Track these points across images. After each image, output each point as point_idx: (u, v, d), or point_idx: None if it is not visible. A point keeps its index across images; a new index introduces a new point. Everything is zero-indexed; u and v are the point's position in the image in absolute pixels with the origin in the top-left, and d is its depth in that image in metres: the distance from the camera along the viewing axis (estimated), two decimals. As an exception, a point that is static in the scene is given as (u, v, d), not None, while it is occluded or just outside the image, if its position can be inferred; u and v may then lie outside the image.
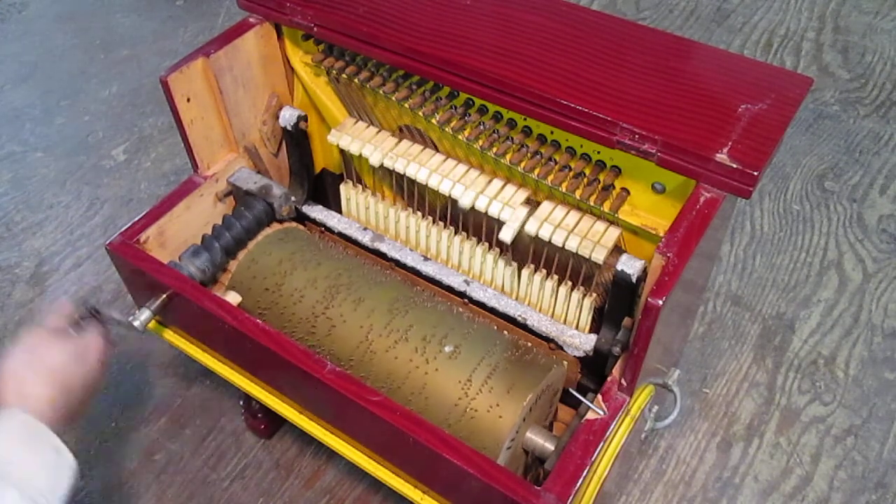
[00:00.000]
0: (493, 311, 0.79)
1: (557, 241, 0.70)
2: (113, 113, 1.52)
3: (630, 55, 0.68)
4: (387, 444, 0.67)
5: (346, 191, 0.87)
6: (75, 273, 1.22)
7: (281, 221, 0.87)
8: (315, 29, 0.75)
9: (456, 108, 0.74)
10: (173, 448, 1.00)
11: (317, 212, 0.89)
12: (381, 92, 0.75)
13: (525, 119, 0.71)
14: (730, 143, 0.59)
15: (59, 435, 0.63)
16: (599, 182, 0.69)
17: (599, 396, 0.64)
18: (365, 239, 0.86)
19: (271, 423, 0.99)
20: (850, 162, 1.36)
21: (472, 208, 0.75)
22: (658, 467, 0.98)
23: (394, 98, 0.75)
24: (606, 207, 0.68)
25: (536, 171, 0.70)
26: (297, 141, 0.86)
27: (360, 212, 0.88)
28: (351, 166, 0.87)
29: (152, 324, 0.79)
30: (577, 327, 0.77)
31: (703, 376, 1.06)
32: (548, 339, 0.76)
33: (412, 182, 0.78)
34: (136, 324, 0.75)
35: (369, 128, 0.82)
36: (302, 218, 0.90)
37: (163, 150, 1.43)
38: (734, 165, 0.58)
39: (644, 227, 0.68)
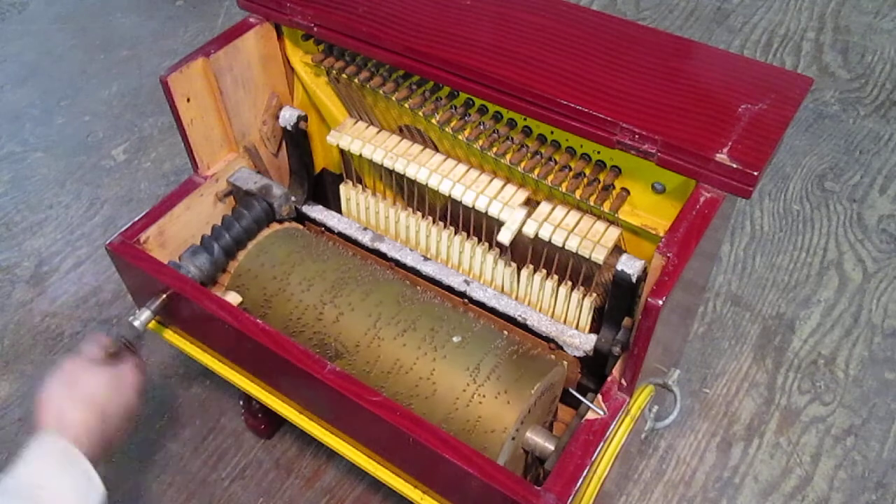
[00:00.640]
0: (493, 311, 0.79)
1: (557, 241, 0.70)
2: (113, 113, 1.52)
3: (630, 55, 0.68)
4: (387, 444, 0.67)
5: (346, 191, 0.87)
6: (75, 273, 1.22)
7: (280, 221, 0.87)
8: (315, 29, 0.75)
9: (456, 108, 0.74)
10: (173, 448, 1.00)
11: (317, 212, 0.89)
12: (381, 92, 0.75)
13: (525, 119, 0.71)
14: (730, 143, 0.59)
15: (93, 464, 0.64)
16: (599, 182, 0.69)
17: (599, 396, 0.64)
18: (365, 239, 0.86)
19: (271, 423, 0.99)
20: (850, 162, 1.36)
21: (473, 208, 0.75)
22: (658, 467, 0.98)
23: (394, 98, 0.75)
24: (606, 207, 0.68)
25: (536, 171, 0.70)
26: (297, 141, 0.86)
27: (360, 212, 0.88)
28: (351, 166, 0.87)
29: (152, 324, 0.79)
30: (577, 327, 0.77)
31: (703, 376, 1.06)
32: (548, 339, 0.76)
33: (412, 182, 0.78)
34: (136, 324, 0.75)
35: (369, 128, 0.82)
36: (302, 218, 0.90)
37: (163, 150, 1.43)
38: (734, 165, 0.58)
39: (644, 227, 0.68)
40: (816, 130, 1.43)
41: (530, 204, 0.73)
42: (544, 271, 0.76)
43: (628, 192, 0.68)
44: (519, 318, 0.77)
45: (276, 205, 0.84)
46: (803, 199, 1.30)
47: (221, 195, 0.85)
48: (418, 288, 0.81)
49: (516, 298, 0.79)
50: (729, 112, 0.62)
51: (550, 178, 0.69)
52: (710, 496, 0.95)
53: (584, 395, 0.65)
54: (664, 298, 0.55)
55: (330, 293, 0.77)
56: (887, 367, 1.07)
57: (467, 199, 0.74)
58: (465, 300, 0.80)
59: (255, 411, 0.98)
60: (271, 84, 0.85)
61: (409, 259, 0.83)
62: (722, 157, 0.58)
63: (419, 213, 0.83)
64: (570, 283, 0.75)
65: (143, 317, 0.75)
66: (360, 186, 0.87)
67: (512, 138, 0.72)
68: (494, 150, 0.72)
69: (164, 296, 0.74)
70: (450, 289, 0.81)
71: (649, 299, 0.56)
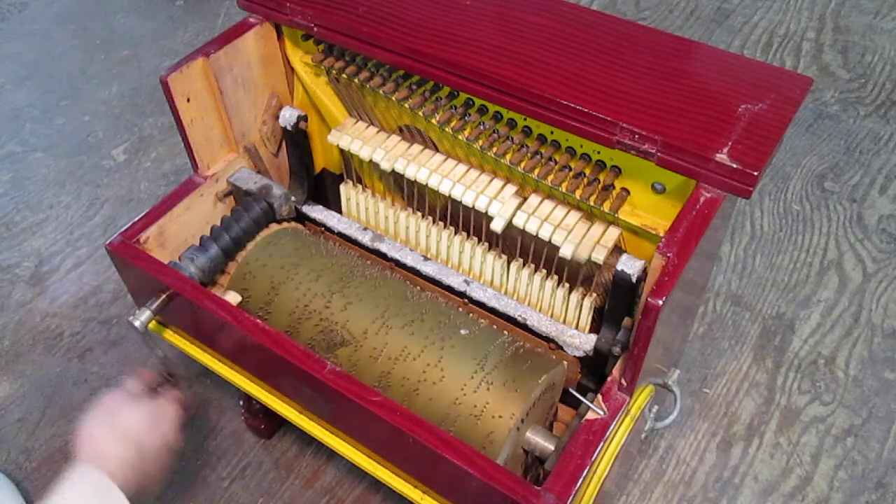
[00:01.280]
0: (493, 310, 0.79)
1: (557, 240, 0.70)
2: (113, 113, 1.52)
3: (630, 55, 0.68)
4: (387, 444, 0.67)
5: (346, 191, 0.87)
6: (75, 273, 1.22)
7: (280, 222, 0.87)
8: (315, 29, 0.75)
9: (456, 108, 0.74)
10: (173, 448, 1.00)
11: (317, 212, 0.89)
12: (381, 92, 0.75)
13: (525, 119, 0.71)
14: (730, 143, 0.59)
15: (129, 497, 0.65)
16: (599, 182, 0.69)
17: (599, 396, 0.64)
18: (365, 239, 0.86)
19: (271, 423, 0.99)
20: (850, 162, 1.36)
21: (473, 208, 0.75)
22: (658, 467, 0.98)
23: (394, 98, 0.75)
24: (606, 207, 0.68)
25: (536, 171, 0.70)
26: (297, 141, 0.86)
27: (360, 212, 0.88)
28: (351, 166, 0.87)
29: (152, 324, 0.79)
30: (577, 327, 0.77)
31: (703, 376, 1.06)
32: (548, 339, 0.76)
33: (412, 182, 0.78)
34: (136, 324, 0.75)
35: (369, 128, 0.82)
36: (302, 218, 0.90)
37: (163, 150, 1.43)
38: (734, 165, 0.58)
39: (644, 227, 0.68)
40: (816, 130, 1.43)
41: (523, 195, 0.73)
42: (544, 271, 0.76)
43: (628, 192, 0.68)
44: (519, 318, 0.77)
45: (276, 205, 0.84)
46: (803, 199, 1.30)
47: (221, 195, 0.85)
48: (420, 290, 0.81)
49: (516, 298, 0.79)
50: (729, 112, 0.62)
51: (550, 177, 0.69)
52: (710, 496, 0.95)
53: (584, 395, 0.65)
54: (664, 298, 0.55)
55: (339, 284, 0.78)
56: (887, 367, 1.07)
57: (467, 199, 0.74)
58: (465, 300, 0.80)
59: (255, 411, 0.98)
60: (271, 84, 0.85)
61: (409, 259, 0.83)
62: (722, 157, 0.58)
63: (419, 213, 0.83)
64: (570, 283, 0.75)
65: (143, 317, 0.75)
66: (360, 186, 0.87)
67: (512, 138, 0.72)
68: (494, 150, 0.72)
69: (164, 296, 0.74)
70: (450, 289, 0.81)
71: (649, 299, 0.56)
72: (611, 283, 0.69)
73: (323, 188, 0.94)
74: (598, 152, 0.68)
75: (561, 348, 0.75)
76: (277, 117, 0.85)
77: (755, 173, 0.57)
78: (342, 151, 0.84)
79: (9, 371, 1.09)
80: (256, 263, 0.81)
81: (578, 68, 0.66)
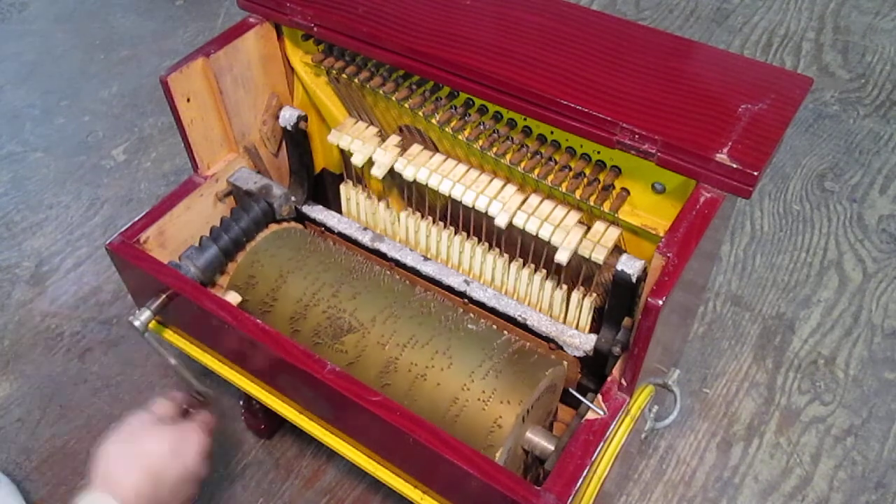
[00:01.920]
0: (493, 311, 0.79)
1: (557, 241, 0.70)
2: (113, 113, 1.52)
3: (630, 55, 0.68)
4: (387, 444, 0.67)
5: (346, 191, 0.87)
6: (75, 273, 1.22)
7: (280, 222, 0.87)
8: (315, 29, 0.75)
9: (456, 108, 0.74)
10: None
11: (317, 212, 0.89)
12: (381, 92, 0.75)
13: (525, 119, 0.71)
14: (730, 143, 0.59)
15: None
16: (599, 182, 0.69)
17: (599, 396, 0.64)
18: (365, 239, 0.86)
19: (271, 423, 0.99)
20: (850, 162, 1.36)
21: (473, 208, 0.75)
22: (658, 467, 0.98)
23: (394, 98, 0.75)
24: (606, 207, 0.68)
25: (536, 171, 0.70)
26: (297, 141, 0.86)
27: (360, 212, 0.88)
28: (351, 166, 0.87)
29: (152, 324, 0.79)
30: (577, 327, 0.77)
31: (703, 376, 1.06)
32: (548, 339, 0.76)
33: (412, 182, 0.78)
34: (136, 324, 0.75)
35: (369, 128, 0.82)
36: (302, 218, 0.90)
37: (163, 150, 1.44)
38: (734, 165, 0.58)
39: (644, 227, 0.68)
40: (816, 130, 1.43)
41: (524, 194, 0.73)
42: (544, 271, 0.76)
43: (628, 192, 0.68)
44: (519, 318, 0.77)
45: (276, 205, 0.84)
46: (803, 199, 1.30)
47: (221, 195, 0.85)
48: (424, 290, 0.81)
49: (516, 298, 0.79)
50: (729, 112, 0.62)
51: (550, 178, 0.69)
52: (710, 496, 0.95)
53: (584, 395, 0.65)
54: (664, 298, 0.55)
55: (347, 276, 0.79)
56: (887, 367, 1.07)
57: (467, 199, 0.74)
58: (465, 300, 0.80)
59: (255, 411, 0.98)
60: (271, 84, 0.85)
61: (409, 259, 0.83)
62: (722, 157, 0.58)
63: (419, 213, 0.83)
64: (570, 283, 0.75)
65: (143, 317, 0.75)
66: (360, 186, 0.87)
67: (512, 138, 0.72)
68: (494, 150, 0.72)
69: (164, 296, 0.74)
70: (450, 289, 0.81)
71: (649, 299, 0.56)
72: (611, 283, 0.69)
73: (323, 188, 0.94)
74: (598, 152, 0.68)
75: (561, 348, 0.75)
76: (277, 117, 0.85)
77: (755, 173, 0.57)
78: (342, 151, 0.84)
79: (9, 371, 1.09)
80: (266, 253, 0.82)
81: (578, 68, 0.66)
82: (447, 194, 0.75)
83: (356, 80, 0.77)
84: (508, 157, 0.71)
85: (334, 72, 0.78)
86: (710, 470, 0.97)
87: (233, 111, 0.81)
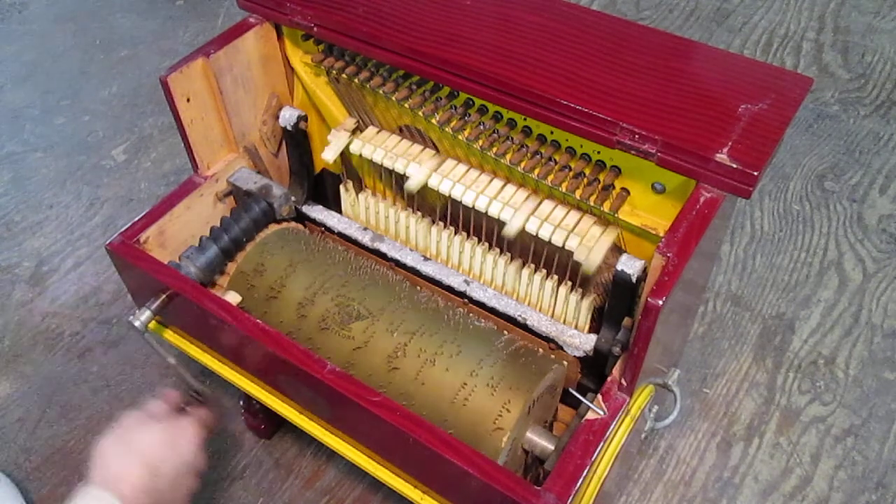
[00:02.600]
0: (493, 311, 0.79)
1: (557, 241, 0.70)
2: (113, 113, 1.52)
3: (630, 55, 0.68)
4: (387, 444, 0.67)
5: (346, 191, 0.87)
6: (75, 273, 1.22)
7: (280, 222, 0.87)
8: (315, 29, 0.75)
9: (456, 108, 0.74)
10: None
11: (317, 212, 0.89)
12: (381, 92, 0.75)
13: (525, 119, 0.71)
14: (730, 143, 0.59)
15: None
16: (599, 182, 0.69)
17: (599, 396, 0.64)
18: (365, 239, 0.86)
19: (271, 423, 0.99)
20: (850, 162, 1.36)
21: (473, 208, 0.75)
22: (658, 467, 0.98)
23: (394, 98, 0.75)
24: (606, 207, 0.68)
25: (536, 171, 0.70)
26: (297, 141, 0.86)
27: (360, 212, 0.88)
28: (351, 166, 0.87)
29: (152, 324, 0.79)
30: (576, 327, 0.77)
31: (703, 376, 1.06)
32: (548, 339, 0.76)
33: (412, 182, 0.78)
34: (136, 324, 0.75)
35: (369, 128, 0.82)
36: (302, 218, 0.90)
37: (163, 150, 1.44)
38: (734, 165, 0.58)
39: (644, 227, 0.68)
40: (816, 130, 1.43)
41: (533, 201, 0.73)
42: (544, 271, 0.76)
43: (628, 192, 0.68)
44: (519, 318, 0.77)
45: (276, 205, 0.84)
46: (803, 199, 1.30)
47: (221, 195, 0.85)
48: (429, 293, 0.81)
49: (516, 298, 0.79)
50: (729, 112, 0.62)
51: (550, 178, 0.69)
52: (710, 496, 0.95)
53: (584, 395, 0.65)
54: (664, 298, 0.55)
55: (356, 270, 0.80)
56: (887, 367, 1.07)
57: (467, 199, 0.74)
58: (465, 300, 0.80)
59: (255, 411, 0.98)
60: (271, 84, 0.85)
61: (409, 259, 0.83)
62: (722, 157, 0.58)
63: (419, 213, 0.83)
64: (570, 283, 0.75)
65: (143, 317, 0.75)
66: (360, 186, 0.87)
67: (512, 138, 0.72)
68: (494, 150, 0.72)
69: (164, 296, 0.74)
70: (450, 289, 0.81)
71: (649, 299, 0.56)
72: (611, 283, 0.69)
73: (323, 188, 0.94)
74: (598, 152, 0.68)
75: (561, 348, 0.75)
76: (277, 117, 0.85)
77: (755, 173, 0.57)
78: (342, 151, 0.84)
79: (9, 371, 1.09)
80: (276, 245, 0.82)
81: (578, 68, 0.66)
82: (447, 194, 0.75)
83: (356, 80, 0.77)
84: (508, 157, 0.71)
85: (334, 72, 0.78)
86: (710, 470, 0.97)
87: (233, 111, 0.81)
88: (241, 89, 0.81)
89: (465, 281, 0.81)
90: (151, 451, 0.67)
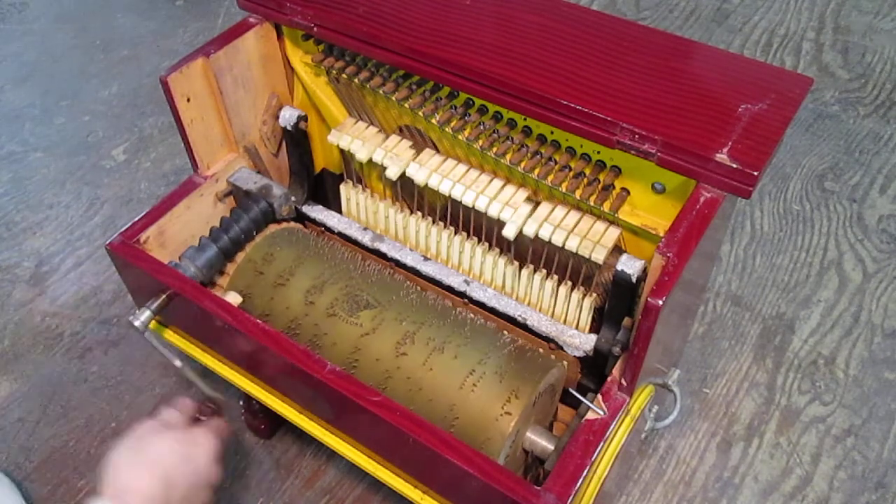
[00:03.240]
0: (493, 311, 0.79)
1: (557, 241, 0.70)
2: (113, 113, 1.52)
3: (630, 55, 0.68)
4: (387, 444, 0.67)
5: (346, 191, 0.87)
6: (75, 273, 1.22)
7: (280, 222, 0.87)
8: (315, 29, 0.75)
9: (456, 108, 0.74)
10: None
11: (317, 212, 0.89)
12: (381, 92, 0.75)
13: (525, 119, 0.71)
14: (730, 143, 0.59)
15: None
16: (599, 182, 0.69)
17: (599, 396, 0.64)
18: (365, 239, 0.86)
19: (271, 423, 0.99)
20: (850, 162, 1.36)
21: (473, 208, 0.75)
22: (658, 467, 0.98)
23: (394, 98, 0.75)
24: (606, 207, 0.68)
25: (536, 171, 0.70)
26: (297, 141, 0.86)
27: (360, 212, 0.88)
28: (351, 166, 0.87)
29: (152, 324, 0.79)
30: (577, 327, 0.77)
31: (703, 376, 1.06)
32: (548, 339, 0.76)
33: (412, 182, 0.78)
34: (136, 324, 0.75)
35: (369, 128, 0.82)
36: (302, 218, 0.90)
37: (163, 150, 1.44)
38: (734, 165, 0.58)
39: (644, 227, 0.68)
40: (816, 130, 1.43)
41: (530, 203, 0.73)
42: (544, 271, 0.76)
43: (628, 192, 0.68)
44: (519, 318, 0.77)
45: (276, 205, 0.84)
46: (803, 199, 1.30)
47: (221, 195, 0.85)
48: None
49: (516, 298, 0.79)
50: (729, 112, 0.62)
51: (550, 178, 0.69)
52: (710, 496, 0.95)
53: (584, 395, 0.65)
54: (664, 298, 0.55)
55: (364, 266, 0.81)
56: (887, 367, 1.07)
57: (467, 199, 0.74)
58: (465, 300, 0.80)
59: (255, 411, 0.98)
60: (271, 84, 0.85)
61: (409, 259, 0.83)
62: (722, 157, 0.58)
63: (419, 213, 0.83)
64: (570, 283, 0.75)
65: (143, 317, 0.75)
66: (360, 186, 0.87)
67: (512, 138, 0.72)
68: (494, 150, 0.72)
69: (164, 296, 0.74)
70: (450, 289, 0.81)
71: (649, 299, 0.56)
72: (611, 283, 0.69)
73: (323, 188, 0.94)
74: (598, 152, 0.68)
75: (561, 348, 0.75)
76: (277, 117, 0.85)
77: (755, 173, 0.57)
78: (342, 151, 0.84)
79: (9, 371, 1.09)
80: (285, 239, 0.83)
81: (578, 68, 0.66)
82: (447, 194, 0.75)
83: (356, 80, 0.77)
84: (508, 157, 0.71)
85: (334, 72, 0.78)
86: (710, 470, 0.97)
87: (233, 111, 0.81)
88: (241, 89, 0.81)
89: (465, 281, 0.81)
90: (165, 462, 0.65)
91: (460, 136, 0.73)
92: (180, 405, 0.74)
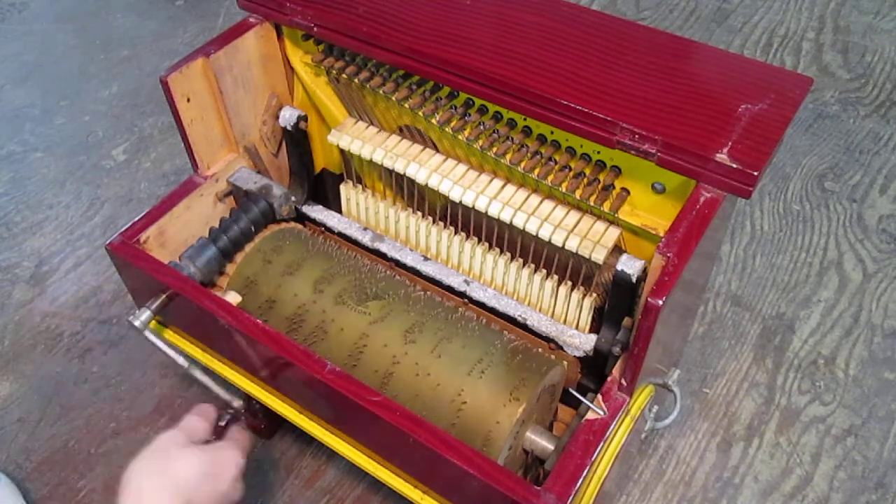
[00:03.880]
0: (493, 311, 0.79)
1: (557, 241, 0.70)
2: (113, 113, 1.52)
3: (630, 55, 0.68)
4: (387, 444, 0.67)
5: (346, 191, 0.87)
6: (75, 273, 1.22)
7: (280, 222, 0.87)
8: (315, 29, 0.75)
9: (456, 108, 0.74)
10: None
11: (317, 212, 0.89)
12: (381, 92, 0.75)
13: (525, 119, 0.71)
14: (730, 143, 0.59)
15: None
16: (599, 182, 0.69)
17: (599, 396, 0.64)
18: (365, 239, 0.86)
19: (271, 423, 0.99)
20: (850, 162, 1.36)
21: (473, 208, 0.75)
22: (658, 467, 0.98)
23: (394, 98, 0.75)
24: (606, 207, 0.68)
25: (536, 171, 0.70)
26: (297, 141, 0.86)
27: (360, 212, 0.88)
28: (351, 166, 0.87)
29: (152, 324, 0.79)
30: (577, 327, 0.77)
31: (703, 376, 1.06)
32: (548, 339, 0.76)
33: (412, 182, 0.78)
34: (136, 324, 0.75)
35: (369, 128, 0.82)
36: (302, 218, 0.90)
37: (163, 150, 1.43)
38: (734, 165, 0.58)
39: (644, 227, 0.68)
40: (816, 130, 1.43)
41: (533, 200, 0.73)
42: (544, 271, 0.76)
43: (628, 192, 0.68)
44: (519, 318, 0.77)
45: (276, 205, 0.84)
46: (803, 199, 1.30)
47: (221, 195, 0.85)
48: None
49: (516, 298, 0.79)
50: (729, 112, 0.62)
51: (550, 178, 0.69)
52: (710, 496, 0.95)
53: (584, 395, 0.65)
54: (664, 298, 0.55)
55: (371, 265, 0.82)
56: (887, 367, 1.07)
57: (467, 199, 0.74)
58: (465, 300, 0.80)
59: (255, 411, 0.98)
60: (271, 84, 0.85)
61: (409, 259, 0.83)
62: (722, 157, 0.58)
63: (419, 213, 0.83)
64: (570, 283, 0.75)
65: (143, 317, 0.75)
66: (360, 186, 0.87)
67: (512, 138, 0.72)
68: (494, 150, 0.72)
69: (164, 296, 0.74)
70: (450, 289, 0.81)
71: (649, 299, 0.56)
72: (611, 283, 0.69)
73: (323, 188, 0.94)
74: (598, 152, 0.68)
75: (561, 348, 0.75)
76: (277, 117, 0.85)
77: (755, 173, 0.57)
78: (342, 151, 0.84)
79: (9, 371, 1.09)
80: (294, 235, 0.84)
81: (578, 68, 0.66)
82: (447, 194, 0.75)
83: (356, 80, 0.77)
84: (508, 157, 0.71)
85: (334, 72, 0.78)
86: (710, 470, 0.97)
87: (233, 111, 0.81)
88: (241, 89, 0.81)
89: (465, 281, 0.81)
90: (188, 482, 0.63)
91: (460, 136, 0.73)
92: (203, 412, 0.72)
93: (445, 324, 0.74)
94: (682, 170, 0.60)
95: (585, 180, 0.69)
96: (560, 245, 0.70)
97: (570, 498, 0.58)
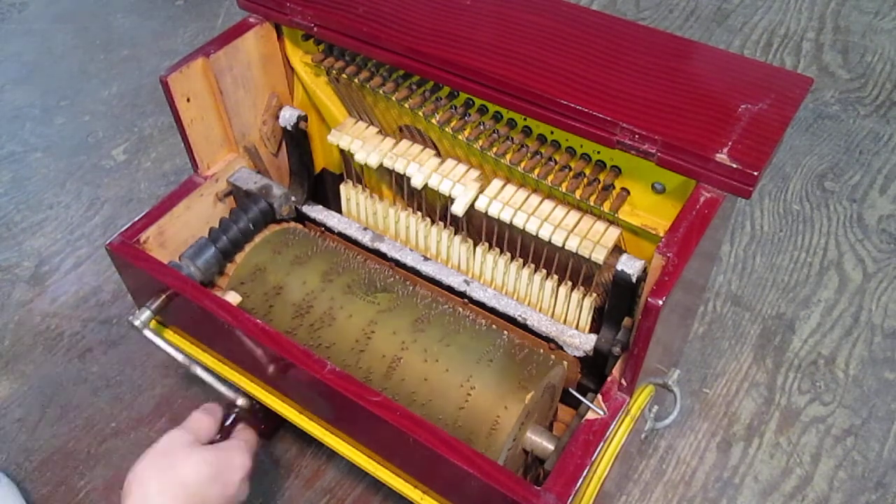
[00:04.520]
0: (493, 311, 0.79)
1: (557, 240, 0.70)
2: (113, 113, 1.52)
3: (630, 55, 0.68)
4: (387, 444, 0.67)
5: (346, 191, 0.87)
6: (75, 273, 1.22)
7: (280, 222, 0.87)
8: (315, 29, 0.75)
9: (456, 108, 0.74)
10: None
11: (317, 212, 0.89)
12: (381, 92, 0.75)
13: (525, 119, 0.71)
14: (730, 143, 0.59)
15: None
16: (599, 182, 0.69)
17: (599, 396, 0.64)
18: (365, 239, 0.86)
19: (271, 423, 0.99)
20: (850, 162, 1.36)
21: (472, 207, 0.75)
22: (658, 467, 0.98)
23: (394, 98, 0.75)
24: (606, 207, 0.68)
25: (536, 171, 0.70)
26: (297, 141, 0.86)
27: (360, 212, 0.88)
28: (351, 166, 0.87)
29: (152, 324, 0.79)
30: (577, 327, 0.77)
31: (703, 376, 1.06)
32: (548, 339, 0.76)
33: (412, 182, 0.78)
34: (136, 324, 0.75)
35: (369, 128, 0.82)
36: (302, 218, 0.90)
37: (163, 150, 1.43)
38: (734, 165, 0.58)
39: (644, 227, 0.68)
40: (816, 130, 1.43)
41: (533, 200, 0.73)
42: (544, 271, 0.76)
43: (628, 192, 0.68)
44: (519, 318, 0.77)
45: (276, 205, 0.84)
46: (803, 199, 1.30)
47: (221, 195, 0.85)
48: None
49: (516, 298, 0.79)
50: (729, 112, 0.62)
51: (550, 178, 0.69)
52: (710, 496, 0.95)
53: (584, 395, 0.65)
54: (664, 298, 0.55)
55: (378, 266, 0.82)
56: (887, 367, 1.07)
57: (467, 200, 0.74)
58: (465, 300, 0.80)
59: (255, 411, 0.98)
60: (271, 84, 0.85)
61: (409, 259, 0.83)
62: (722, 157, 0.58)
63: (419, 213, 0.83)
64: (570, 283, 0.75)
65: (143, 317, 0.75)
66: (360, 186, 0.87)
67: (512, 138, 0.72)
68: (494, 150, 0.72)
69: (164, 296, 0.74)
70: (450, 289, 0.81)
71: (649, 299, 0.56)
72: (611, 283, 0.69)
73: (323, 188, 0.94)
74: (598, 152, 0.68)
75: (561, 348, 0.75)
76: (277, 117, 0.85)
77: (755, 173, 0.57)
78: (342, 151, 0.84)
79: (9, 371, 1.09)
80: (303, 233, 0.84)
81: (578, 68, 0.66)
82: (447, 194, 0.75)
83: (356, 80, 0.77)
84: (508, 157, 0.71)
85: (334, 72, 0.78)
86: (710, 470, 0.97)
87: (233, 111, 0.81)
88: (241, 89, 0.81)
89: (465, 281, 0.81)
90: (195, 483, 0.62)
91: (460, 136, 0.73)
92: (210, 410, 0.72)
93: (453, 317, 0.75)
94: (682, 170, 0.60)
95: (585, 180, 0.69)
96: (560, 245, 0.70)
97: (570, 498, 0.58)
